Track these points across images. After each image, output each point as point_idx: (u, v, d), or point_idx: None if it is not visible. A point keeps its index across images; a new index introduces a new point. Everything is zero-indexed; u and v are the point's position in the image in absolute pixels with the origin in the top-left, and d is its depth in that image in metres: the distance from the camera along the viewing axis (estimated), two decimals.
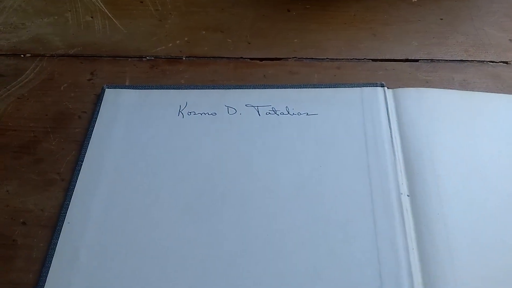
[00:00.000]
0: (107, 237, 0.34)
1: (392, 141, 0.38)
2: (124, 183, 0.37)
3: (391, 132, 0.38)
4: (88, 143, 0.39)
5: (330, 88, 0.42)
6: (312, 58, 0.47)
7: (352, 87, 0.42)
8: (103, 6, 0.52)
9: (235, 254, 0.33)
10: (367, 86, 0.42)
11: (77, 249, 0.34)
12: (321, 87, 0.42)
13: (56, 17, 0.51)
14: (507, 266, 0.32)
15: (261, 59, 0.47)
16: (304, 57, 0.47)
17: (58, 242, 0.34)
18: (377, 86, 0.42)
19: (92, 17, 0.51)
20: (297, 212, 0.35)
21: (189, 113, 0.41)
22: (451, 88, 0.43)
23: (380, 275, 0.31)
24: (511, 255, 0.32)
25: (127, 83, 0.44)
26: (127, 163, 0.38)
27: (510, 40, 0.48)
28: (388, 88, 0.42)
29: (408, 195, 0.35)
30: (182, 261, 0.33)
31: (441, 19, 0.51)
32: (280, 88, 0.43)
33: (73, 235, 0.34)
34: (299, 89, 0.42)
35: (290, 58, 0.47)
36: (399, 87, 0.43)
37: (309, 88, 0.42)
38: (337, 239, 0.33)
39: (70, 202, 0.36)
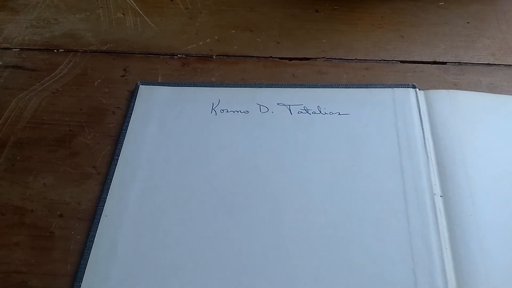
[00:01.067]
0: (144, 230, 0.35)
1: (424, 142, 0.38)
2: (160, 177, 0.38)
3: (423, 132, 0.39)
4: (124, 138, 0.40)
5: (361, 89, 0.42)
6: (341, 59, 0.47)
7: (384, 87, 0.42)
8: (134, 3, 0.53)
9: (268, 249, 0.34)
10: (399, 87, 0.42)
11: (115, 242, 0.35)
12: (352, 87, 0.43)
13: (88, 14, 0.52)
14: None
15: (290, 59, 0.47)
16: (333, 57, 0.47)
17: (96, 234, 0.35)
18: (409, 87, 0.42)
19: (123, 14, 0.52)
20: (331, 209, 0.35)
21: (222, 111, 0.41)
22: (479, 91, 0.44)
23: (414, 273, 0.32)
24: None
25: (159, 80, 0.45)
26: (162, 158, 0.39)
27: None
28: (419, 89, 0.42)
29: (441, 196, 0.35)
30: (216, 254, 0.34)
31: (468, 22, 0.51)
32: (311, 87, 0.43)
33: (111, 228, 0.35)
34: (330, 88, 0.43)
35: (319, 58, 0.47)
36: (428, 89, 0.43)
37: (340, 88, 0.43)
38: (371, 236, 0.34)
39: (107, 195, 0.37)
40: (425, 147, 0.38)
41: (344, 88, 0.43)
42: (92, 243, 0.35)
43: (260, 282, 0.33)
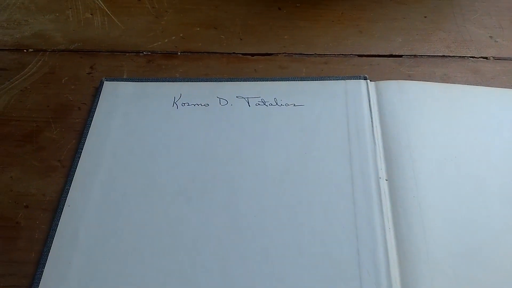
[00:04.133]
0: (105, 218, 0.37)
1: (372, 129, 0.40)
2: (122, 168, 0.39)
3: (372, 121, 0.41)
4: (88, 132, 0.41)
5: (317, 81, 0.44)
6: (301, 54, 0.49)
7: (337, 79, 0.44)
8: (102, 4, 0.55)
9: (224, 233, 0.36)
10: (351, 79, 0.44)
11: (77, 230, 0.36)
12: (307, 80, 0.45)
13: (57, 14, 0.54)
14: (476, 243, 0.34)
15: (252, 55, 0.49)
16: (294, 53, 0.49)
17: (59, 223, 0.36)
18: (360, 79, 0.44)
19: (91, 14, 0.54)
20: (283, 194, 0.37)
21: (183, 104, 0.43)
22: (432, 82, 0.45)
23: (358, 252, 0.34)
24: (479, 234, 0.34)
25: (124, 77, 0.47)
26: (125, 150, 0.40)
27: (490, 36, 0.51)
28: (370, 81, 0.44)
29: (386, 179, 0.37)
30: (175, 239, 0.36)
31: (425, 17, 0.53)
32: (270, 81, 0.45)
33: (73, 217, 0.37)
34: (288, 81, 0.45)
35: (280, 53, 0.49)
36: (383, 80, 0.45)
37: (296, 81, 0.45)
38: (319, 219, 0.36)
39: (70, 186, 0.38)
40: (373, 134, 0.40)
41: (301, 81, 0.45)
42: (55, 232, 0.36)
43: (214, 264, 0.34)
